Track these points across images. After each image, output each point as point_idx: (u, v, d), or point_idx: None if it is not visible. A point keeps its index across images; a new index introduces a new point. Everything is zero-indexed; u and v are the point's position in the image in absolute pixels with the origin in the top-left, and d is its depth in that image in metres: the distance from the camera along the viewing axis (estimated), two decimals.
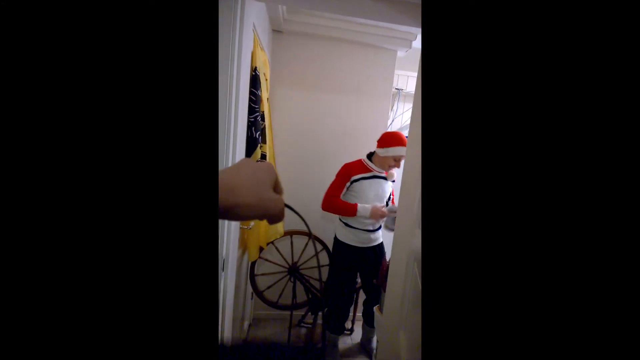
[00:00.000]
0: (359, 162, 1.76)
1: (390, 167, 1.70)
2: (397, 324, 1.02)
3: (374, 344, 2.01)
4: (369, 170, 1.73)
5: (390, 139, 1.67)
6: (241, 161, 0.35)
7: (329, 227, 2.14)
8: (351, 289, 1.89)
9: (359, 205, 1.68)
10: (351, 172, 1.72)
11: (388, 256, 1.59)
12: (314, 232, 2.04)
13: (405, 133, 1.70)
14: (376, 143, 1.75)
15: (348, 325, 2.22)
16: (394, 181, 1.77)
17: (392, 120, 2.54)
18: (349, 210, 1.69)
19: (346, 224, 1.80)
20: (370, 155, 1.78)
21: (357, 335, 2.18)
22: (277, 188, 0.36)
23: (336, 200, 1.72)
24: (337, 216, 1.87)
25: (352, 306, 2.13)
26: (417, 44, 1.88)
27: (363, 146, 2.11)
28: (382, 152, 1.68)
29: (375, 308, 1.95)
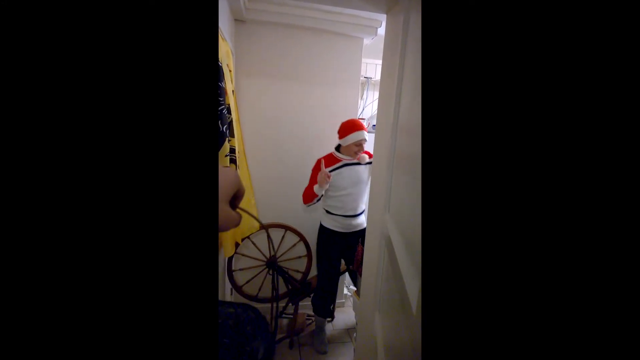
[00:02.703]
0: (329, 154, 1.86)
1: (356, 152, 1.78)
2: (373, 307, 1.05)
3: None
4: (339, 160, 1.82)
5: (346, 128, 1.77)
6: None
7: (306, 219, 2.15)
8: (337, 273, 1.97)
9: (314, 186, 1.77)
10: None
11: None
12: (292, 225, 2.04)
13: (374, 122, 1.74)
14: (337, 135, 1.84)
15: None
16: (370, 162, 1.83)
17: (363, 109, 2.56)
18: (310, 193, 1.79)
19: (327, 212, 1.89)
20: (338, 147, 1.87)
21: (338, 321, 2.22)
22: (237, 196, 0.36)
23: (305, 191, 1.83)
24: (318, 207, 1.96)
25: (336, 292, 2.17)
26: (382, 31, 1.89)
27: (334, 136, 2.11)
28: (343, 141, 1.79)
29: (353, 293, 2.00)
